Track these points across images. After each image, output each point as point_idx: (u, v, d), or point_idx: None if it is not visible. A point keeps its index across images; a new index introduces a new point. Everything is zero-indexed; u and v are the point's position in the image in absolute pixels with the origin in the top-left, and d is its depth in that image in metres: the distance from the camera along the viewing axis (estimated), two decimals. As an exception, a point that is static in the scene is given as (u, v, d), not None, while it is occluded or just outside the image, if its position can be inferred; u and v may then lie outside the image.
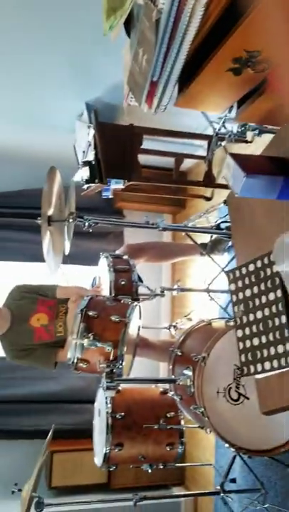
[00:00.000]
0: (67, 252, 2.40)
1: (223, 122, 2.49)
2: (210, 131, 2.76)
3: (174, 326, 3.20)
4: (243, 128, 2.39)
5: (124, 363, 1.97)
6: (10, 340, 2.57)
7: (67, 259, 2.86)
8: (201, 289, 2.79)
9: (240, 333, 1.06)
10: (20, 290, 2.71)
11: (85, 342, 1.91)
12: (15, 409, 3.66)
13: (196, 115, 2.49)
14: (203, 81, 1.15)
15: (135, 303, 2.14)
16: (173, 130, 2.78)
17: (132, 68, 1.26)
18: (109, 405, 2.32)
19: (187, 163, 3.74)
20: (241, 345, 1.06)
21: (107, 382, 1.90)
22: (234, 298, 1.10)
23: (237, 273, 1.10)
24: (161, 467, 2.43)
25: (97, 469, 2.47)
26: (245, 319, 1.06)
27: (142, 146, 2.67)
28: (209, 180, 2.65)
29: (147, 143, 2.76)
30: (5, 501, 2.83)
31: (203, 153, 3.00)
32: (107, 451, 2.30)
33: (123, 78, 1.47)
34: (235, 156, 0.90)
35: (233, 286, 1.10)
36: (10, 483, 2.16)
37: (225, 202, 2.44)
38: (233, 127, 2.54)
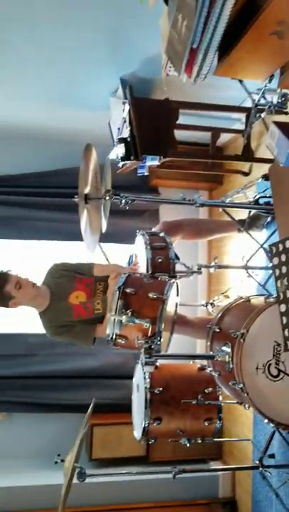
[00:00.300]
0: (104, 230, 2.41)
1: (263, 93, 2.41)
2: (248, 104, 2.69)
3: (212, 304, 3.20)
4: (283, 98, 2.31)
5: (162, 340, 1.98)
6: (49, 317, 2.62)
7: (104, 238, 2.90)
8: (239, 266, 2.76)
9: (283, 307, 1.05)
10: (59, 268, 2.75)
11: (124, 318, 1.93)
12: (56, 384, 3.76)
13: (233, 87, 2.43)
14: (245, 46, 1.11)
15: (173, 280, 2.14)
16: (210, 103, 2.72)
17: (171, 36, 1.23)
18: (148, 380, 2.34)
19: (224, 138, 3.66)
20: (285, 319, 1.04)
21: (145, 358, 1.92)
22: (277, 272, 1.08)
23: (280, 246, 1.08)
24: (200, 441, 2.46)
25: (136, 442, 2.52)
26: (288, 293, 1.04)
27: (178, 121, 2.63)
28: (248, 155, 2.59)
29: (183, 118, 2.71)
30: (49, 471, 2.95)
31: (240, 127, 2.93)
32: (146, 425, 2.34)
33: (161, 48, 1.44)
34: (281, 125, 0.87)
35: (275, 260, 1.08)
36: (53, 454, 2.21)
37: (264, 176, 2.39)
38: (273, 98, 2.46)
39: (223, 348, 2.07)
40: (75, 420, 3.22)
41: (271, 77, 1.74)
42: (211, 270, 2.81)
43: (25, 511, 3.20)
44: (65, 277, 2.70)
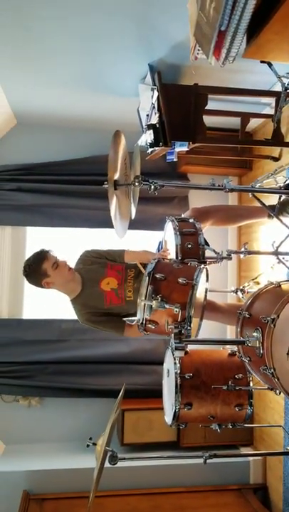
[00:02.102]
0: (133, 216, 2.42)
1: (293, 76, 2.36)
2: (278, 88, 2.64)
3: (242, 290, 3.17)
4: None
5: (192, 325, 1.99)
6: (82, 303, 2.65)
7: (134, 225, 2.91)
8: (269, 252, 2.73)
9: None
10: (90, 255, 2.78)
11: (153, 303, 1.94)
12: (87, 369, 3.82)
13: (263, 72, 2.38)
14: (274, 28, 1.09)
15: (202, 265, 2.13)
16: (239, 88, 2.69)
17: (199, 19, 1.22)
18: (178, 366, 2.36)
19: (253, 124, 3.62)
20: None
21: (175, 343, 1.93)
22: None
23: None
24: (230, 427, 2.46)
25: (167, 428, 2.54)
26: None
27: (207, 107, 2.61)
28: (277, 139, 2.54)
29: (212, 103, 2.69)
30: (81, 455, 3.02)
31: (270, 111, 2.88)
32: (177, 410, 2.36)
33: (189, 33, 1.43)
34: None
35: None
36: (85, 438, 2.25)
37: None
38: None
39: (254, 333, 2.07)
40: (106, 405, 3.27)
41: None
42: (241, 256, 2.79)
43: (58, 494, 3.28)
44: (96, 264, 2.73)
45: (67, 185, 3.88)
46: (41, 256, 2.58)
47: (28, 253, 3.01)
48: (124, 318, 2.59)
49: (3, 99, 3.39)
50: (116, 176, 2.14)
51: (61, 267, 2.59)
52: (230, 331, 3.70)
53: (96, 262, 2.74)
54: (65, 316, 3.78)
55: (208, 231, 2.81)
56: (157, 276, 2.06)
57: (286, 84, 2.47)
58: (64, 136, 3.96)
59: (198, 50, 1.33)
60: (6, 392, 3.83)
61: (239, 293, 3.15)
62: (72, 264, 2.69)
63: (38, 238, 4.06)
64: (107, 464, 2.18)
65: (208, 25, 1.16)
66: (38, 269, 2.57)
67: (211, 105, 2.67)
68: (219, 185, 2.29)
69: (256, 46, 1.17)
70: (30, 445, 3.79)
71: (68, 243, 4.02)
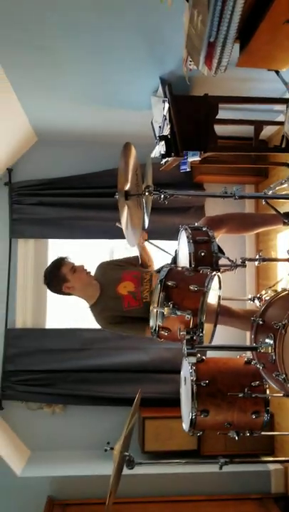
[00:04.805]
0: (146, 225, 2.47)
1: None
2: None
3: (259, 298, 3.17)
4: None
5: (204, 331, 2.01)
6: (101, 308, 2.71)
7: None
8: (285, 259, 2.72)
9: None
10: (106, 263, 2.89)
11: (165, 310, 1.98)
12: (107, 377, 3.87)
13: (272, 79, 2.41)
14: (262, 37, 1.13)
15: (214, 273, 2.16)
16: (249, 96, 2.72)
17: (189, 31, 1.27)
18: (194, 373, 2.37)
19: (268, 131, 3.63)
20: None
21: (187, 349, 1.96)
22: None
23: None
24: (248, 435, 2.46)
25: (187, 436, 2.55)
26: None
27: (219, 116, 2.65)
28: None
29: (224, 113, 2.72)
30: (104, 462, 3.05)
31: (283, 119, 2.89)
32: (193, 417, 2.37)
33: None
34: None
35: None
36: (103, 444, 2.30)
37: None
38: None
39: (267, 339, 2.08)
40: (127, 413, 3.30)
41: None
42: (256, 263, 2.79)
43: (81, 500, 3.32)
44: (113, 270, 2.82)
45: (86, 198, 3.98)
46: (59, 262, 2.70)
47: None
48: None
49: (24, 117, 3.51)
50: (127, 187, 2.20)
51: (79, 271, 2.69)
52: (249, 338, 3.68)
53: (113, 269, 2.83)
54: (87, 326, 3.85)
55: (226, 239, 2.84)
56: (169, 283, 2.10)
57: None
58: (82, 151, 4.07)
59: (190, 61, 1.38)
60: (31, 399, 3.92)
61: (256, 301, 3.14)
62: (89, 269, 2.78)
63: (59, 250, 4.16)
64: (128, 471, 2.21)
65: (197, 37, 1.21)
66: (57, 274, 2.68)
67: (223, 114, 2.71)
68: (231, 193, 2.32)
69: (247, 55, 1.21)
70: (55, 452, 3.86)
71: (88, 254, 4.10)
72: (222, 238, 2.79)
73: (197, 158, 2.90)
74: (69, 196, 3.99)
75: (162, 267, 2.19)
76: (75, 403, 3.91)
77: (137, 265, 2.90)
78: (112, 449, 2.26)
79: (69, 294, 2.74)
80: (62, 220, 4.01)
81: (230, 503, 3.22)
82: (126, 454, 2.22)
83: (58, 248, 4.17)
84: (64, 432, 3.92)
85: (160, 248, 2.97)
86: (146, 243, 3.01)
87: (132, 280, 2.71)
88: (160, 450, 3.57)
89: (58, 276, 2.68)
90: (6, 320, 3.98)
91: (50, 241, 4.19)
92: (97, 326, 2.79)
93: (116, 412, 3.77)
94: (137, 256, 2.89)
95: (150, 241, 3.04)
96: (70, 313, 4.00)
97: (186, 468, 3.27)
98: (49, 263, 2.85)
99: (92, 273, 2.80)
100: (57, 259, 2.75)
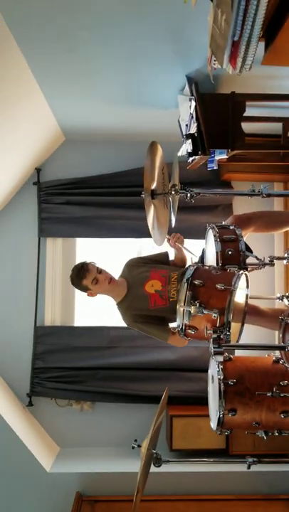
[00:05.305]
0: (173, 224, 2.48)
1: None
2: None
3: (287, 296, 3.12)
4: None
5: (231, 330, 2.00)
6: (127, 305, 2.74)
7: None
8: (313, 257, 2.68)
9: None
10: (135, 260, 2.90)
11: (192, 309, 1.98)
12: (135, 375, 3.91)
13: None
14: (287, 35, 1.11)
15: (241, 271, 2.15)
16: (276, 93, 2.69)
17: (213, 31, 1.27)
18: (221, 372, 2.37)
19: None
20: None
21: (214, 348, 1.96)
22: None
23: None
24: (277, 434, 2.43)
25: (216, 435, 2.53)
26: None
27: (246, 114, 2.63)
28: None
29: (252, 110, 2.70)
30: (132, 459, 3.07)
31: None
32: (221, 416, 2.35)
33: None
34: None
35: None
36: (130, 441, 2.33)
37: None
38: None
39: (295, 339, 2.06)
40: (153, 411, 3.31)
41: None
42: (284, 262, 2.76)
43: (109, 496, 3.36)
44: (141, 268, 2.83)
45: (113, 197, 4.01)
46: (81, 274, 2.69)
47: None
48: (169, 324, 2.66)
49: (52, 117, 3.56)
50: (153, 186, 2.21)
51: (100, 282, 2.68)
52: (277, 337, 3.64)
53: (141, 267, 2.83)
54: (114, 324, 3.88)
55: (254, 238, 2.81)
56: (196, 282, 2.10)
57: None
58: (109, 150, 4.10)
59: (214, 60, 1.37)
60: (60, 396, 3.98)
61: (285, 300, 3.10)
62: (116, 273, 2.79)
63: (87, 249, 4.21)
64: (156, 469, 2.22)
65: (221, 36, 1.21)
66: (79, 284, 2.72)
67: (251, 112, 2.69)
68: (258, 191, 2.30)
69: (272, 53, 1.20)
70: (83, 448, 3.92)
71: (116, 253, 4.13)
72: (250, 237, 2.77)
73: (224, 156, 2.88)
74: (96, 195, 4.03)
75: (189, 266, 2.19)
76: (103, 400, 3.95)
77: (166, 262, 2.90)
78: (139, 446, 2.28)
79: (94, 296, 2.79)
80: (89, 219, 4.06)
81: (259, 503, 3.20)
82: (153, 451, 2.23)
83: (85, 247, 4.22)
84: (92, 428, 3.97)
85: (185, 249, 2.96)
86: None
87: (160, 279, 2.71)
88: (188, 448, 3.57)
89: (80, 286, 2.73)
90: (35, 318, 4.05)
91: (78, 240, 4.24)
92: (125, 324, 2.82)
93: (143, 410, 3.79)
94: (166, 252, 2.89)
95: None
96: (98, 311, 4.04)
97: (214, 467, 3.26)
98: (77, 262, 2.88)
99: (119, 274, 2.82)
100: (80, 267, 2.71)
